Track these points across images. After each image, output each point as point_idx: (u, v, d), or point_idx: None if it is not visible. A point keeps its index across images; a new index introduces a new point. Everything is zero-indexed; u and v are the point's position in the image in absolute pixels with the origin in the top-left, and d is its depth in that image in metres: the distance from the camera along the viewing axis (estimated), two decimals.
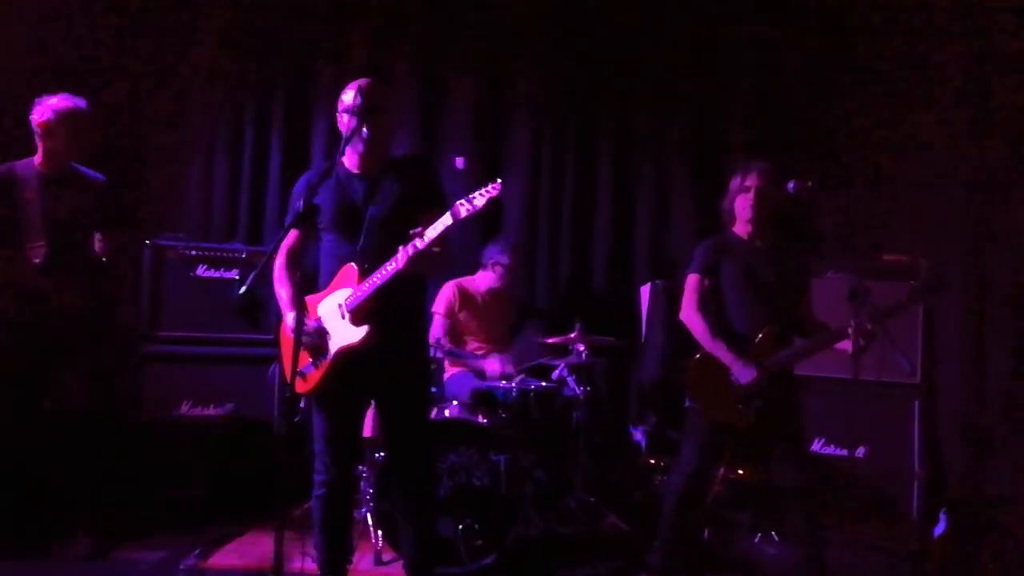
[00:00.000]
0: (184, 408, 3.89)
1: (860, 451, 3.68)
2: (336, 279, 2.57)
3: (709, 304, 3.01)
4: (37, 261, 3.12)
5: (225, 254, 4.07)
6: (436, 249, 2.36)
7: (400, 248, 2.36)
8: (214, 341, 4.00)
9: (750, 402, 2.88)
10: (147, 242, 3.92)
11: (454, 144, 4.84)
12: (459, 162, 4.78)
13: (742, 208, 3.01)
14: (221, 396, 3.95)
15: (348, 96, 2.56)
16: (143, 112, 4.49)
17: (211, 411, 3.93)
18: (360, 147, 2.56)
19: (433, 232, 2.33)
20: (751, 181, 2.97)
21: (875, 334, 2.73)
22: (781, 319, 2.96)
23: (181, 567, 3.14)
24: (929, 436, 3.72)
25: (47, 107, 3.15)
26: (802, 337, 2.99)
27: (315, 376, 2.54)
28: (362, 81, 2.57)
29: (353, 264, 2.50)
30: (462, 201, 2.31)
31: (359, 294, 2.46)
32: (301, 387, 2.57)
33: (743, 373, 2.86)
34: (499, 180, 2.33)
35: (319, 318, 2.57)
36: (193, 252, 4.01)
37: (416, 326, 2.76)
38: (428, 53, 4.84)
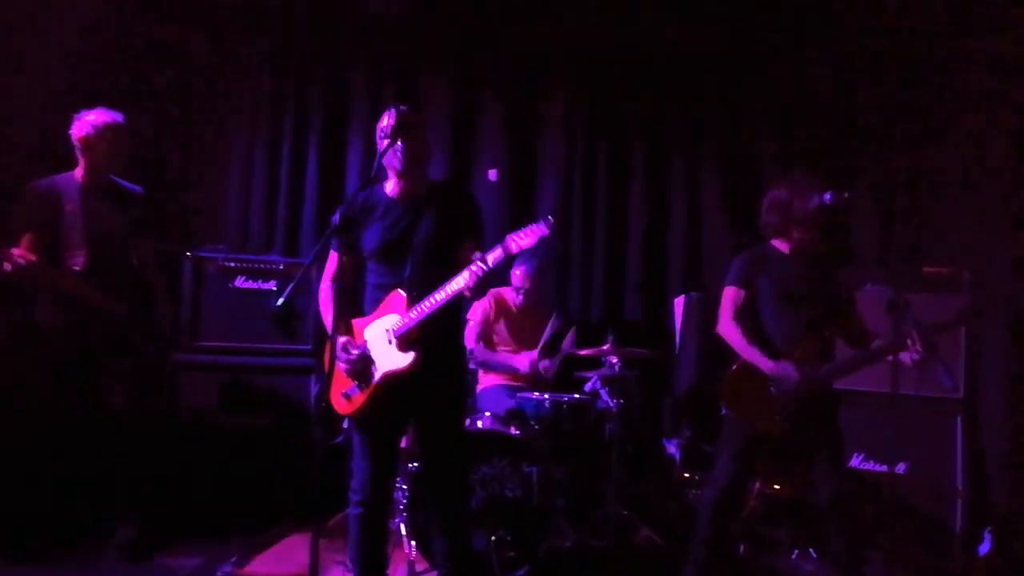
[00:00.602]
0: (222, 416, 3.96)
1: (901, 467, 3.60)
2: (383, 305, 2.61)
3: (746, 316, 2.99)
4: (77, 268, 3.20)
5: (263, 265, 4.14)
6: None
7: (467, 269, 2.39)
8: (252, 351, 4.07)
9: (788, 411, 2.84)
10: (187, 254, 4.02)
11: (487, 156, 4.88)
12: (492, 174, 4.81)
13: (790, 228, 2.96)
14: (258, 405, 4.02)
15: (384, 121, 2.60)
16: (183, 128, 4.60)
17: (248, 419, 3.99)
18: (397, 168, 2.59)
19: (492, 261, 2.38)
20: (783, 199, 2.94)
21: (939, 345, 2.69)
22: (819, 332, 2.92)
23: (218, 574, 3.19)
24: (972, 452, 3.62)
25: (86, 122, 3.24)
26: (854, 347, 2.94)
27: (359, 399, 2.58)
28: (397, 105, 2.61)
29: (401, 291, 2.55)
30: (514, 235, 2.38)
31: (408, 321, 2.51)
32: (345, 408, 2.61)
33: (785, 377, 2.82)
34: (551, 218, 2.40)
35: (365, 343, 2.60)
36: (232, 264, 4.09)
37: (456, 345, 2.80)
38: (461, 66, 4.89)
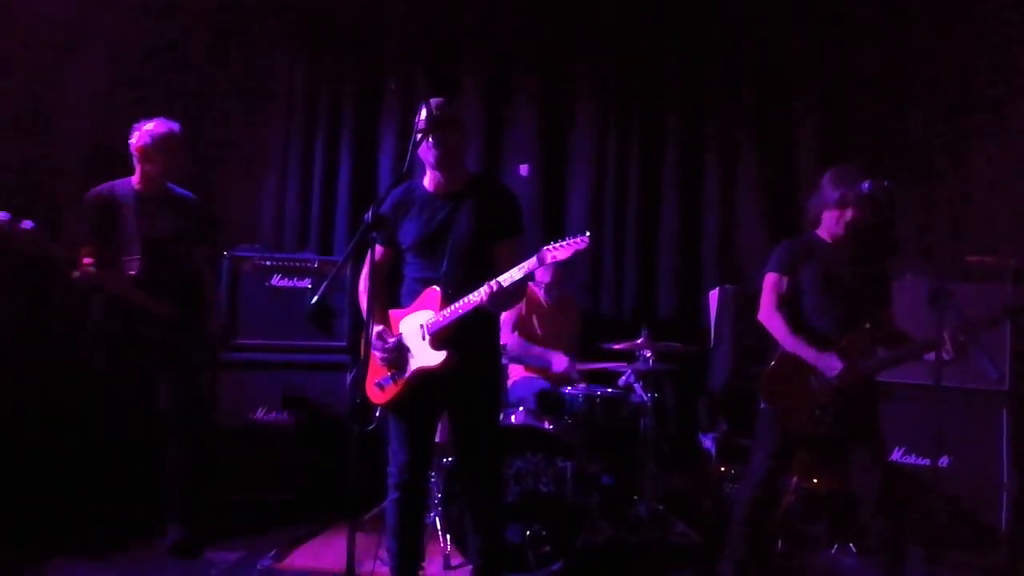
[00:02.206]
0: (260, 413, 4.03)
1: (944, 461, 3.52)
2: (420, 299, 2.64)
3: (788, 304, 2.93)
4: (132, 273, 3.28)
5: (298, 264, 4.20)
6: (514, 288, 2.43)
7: (485, 284, 2.42)
8: (288, 348, 4.13)
9: (828, 405, 2.79)
10: (224, 253, 4.09)
11: (518, 151, 4.87)
12: (523, 169, 4.81)
13: (833, 223, 2.91)
14: (295, 401, 4.08)
15: (420, 114, 2.60)
16: (219, 130, 4.68)
17: (286, 416, 4.06)
18: (433, 162, 2.61)
19: (518, 273, 2.40)
20: (851, 204, 2.84)
21: (968, 345, 2.62)
22: (863, 324, 2.85)
23: (258, 567, 3.24)
24: (1018, 445, 3.52)
25: (144, 132, 3.33)
26: (885, 345, 2.88)
27: (392, 389, 2.62)
28: (432, 100, 2.61)
29: (437, 288, 2.57)
30: (550, 248, 2.39)
31: (440, 320, 2.53)
32: (379, 397, 2.64)
33: (831, 366, 2.77)
34: (588, 234, 2.40)
35: (401, 334, 2.63)
36: (268, 262, 4.16)
37: (491, 346, 2.79)
38: (492, 61, 4.89)
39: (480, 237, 2.60)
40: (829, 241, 2.96)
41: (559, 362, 3.94)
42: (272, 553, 3.38)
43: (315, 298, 2.37)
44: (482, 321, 2.61)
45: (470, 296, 2.46)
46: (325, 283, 2.40)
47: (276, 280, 4.16)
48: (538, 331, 4.15)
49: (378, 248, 2.65)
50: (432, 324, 2.55)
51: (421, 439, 2.69)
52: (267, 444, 4.00)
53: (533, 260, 2.39)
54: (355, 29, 4.83)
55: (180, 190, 3.54)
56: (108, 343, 3.34)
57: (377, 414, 2.67)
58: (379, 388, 2.64)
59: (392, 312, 2.71)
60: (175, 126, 3.40)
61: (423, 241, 2.63)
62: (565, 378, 3.96)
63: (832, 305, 2.88)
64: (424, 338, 2.57)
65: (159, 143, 3.33)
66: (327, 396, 4.11)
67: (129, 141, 3.34)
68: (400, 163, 4.66)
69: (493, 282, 2.41)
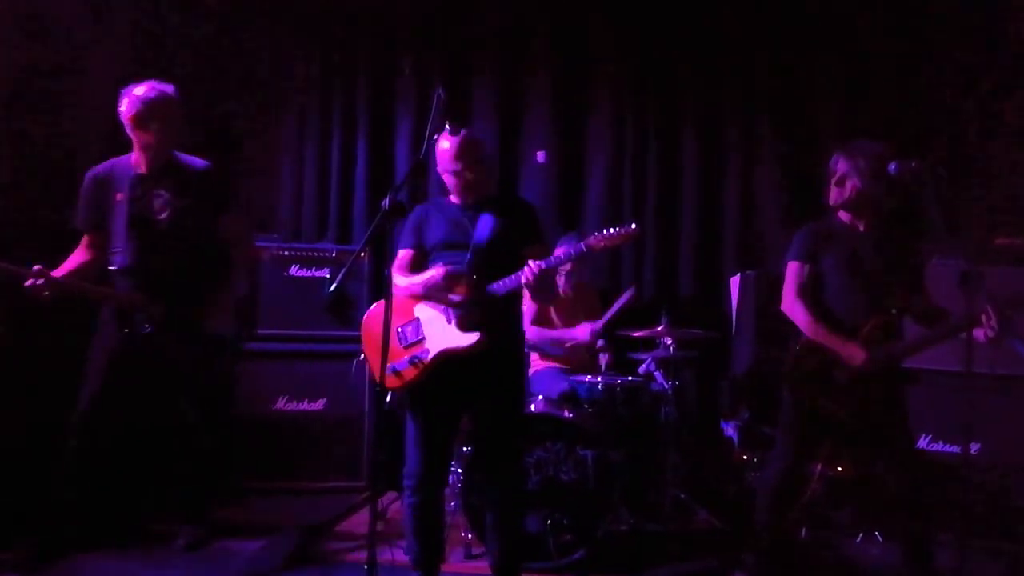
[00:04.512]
0: (281, 402, 4.04)
1: (974, 448, 3.45)
2: (450, 279, 2.64)
3: (811, 292, 2.87)
4: (114, 268, 3.02)
5: (316, 254, 4.20)
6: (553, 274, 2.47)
7: (530, 263, 2.44)
8: (307, 338, 4.13)
9: (852, 393, 2.74)
10: None
11: (535, 137, 4.83)
12: (540, 156, 4.77)
13: (855, 198, 2.83)
14: (314, 391, 4.09)
15: (444, 146, 2.65)
16: (236, 120, 4.68)
17: (305, 406, 4.07)
18: (458, 190, 2.71)
19: (563, 257, 2.45)
20: (842, 168, 2.82)
21: (1009, 325, 2.55)
22: (887, 309, 2.79)
23: (280, 556, 3.25)
24: None
25: (135, 98, 2.96)
26: (924, 324, 2.81)
27: (410, 373, 2.60)
28: (452, 140, 2.64)
29: (465, 271, 2.57)
30: (597, 234, 2.43)
31: (470, 300, 2.54)
32: (393, 382, 2.62)
33: (854, 355, 2.71)
34: (635, 225, 2.43)
35: (417, 319, 2.63)
36: (286, 252, 4.16)
37: (516, 332, 2.81)
38: (507, 47, 4.83)
39: (502, 242, 2.62)
40: (849, 223, 2.89)
41: (583, 331, 3.90)
42: (294, 542, 3.39)
43: (332, 286, 2.35)
44: (509, 307, 2.64)
45: (513, 276, 2.48)
46: (342, 271, 2.38)
47: (294, 270, 4.16)
48: (557, 320, 4.12)
49: (407, 252, 2.74)
50: (459, 307, 2.55)
51: (438, 442, 2.65)
52: (286, 433, 4.01)
53: (580, 246, 2.42)
54: (369, 16, 4.80)
55: (187, 158, 3.16)
56: (108, 343, 3.04)
57: (388, 398, 2.65)
58: (394, 374, 2.62)
59: (399, 299, 2.71)
60: (168, 87, 3.04)
61: (447, 243, 2.67)
62: (587, 361, 3.92)
63: (856, 290, 2.81)
64: (450, 321, 2.57)
65: (152, 108, 2.96)
66: (345, 385, 4.11)
67: (119, 110, 2.99)
68: (416, 151, 4.66)
69: (535, 263, 2.43)
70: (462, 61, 4.83)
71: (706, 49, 4.74)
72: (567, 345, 4.00)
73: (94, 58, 3.99)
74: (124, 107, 2.98)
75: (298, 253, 4.18)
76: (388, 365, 2.60)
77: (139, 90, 2.99)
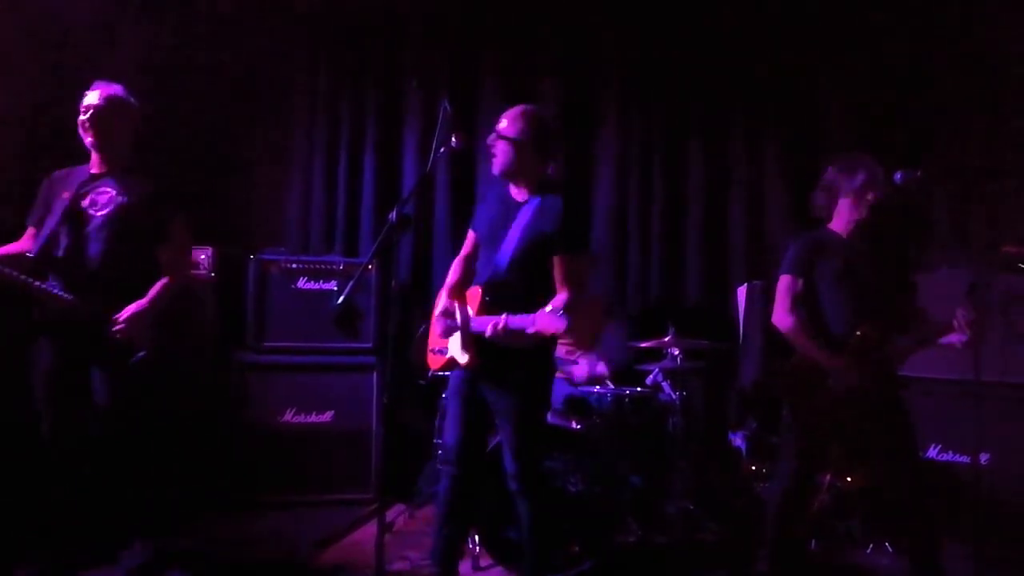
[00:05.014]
0: (288, 415, 4.06)
1: (984, 457, 3.42)
2: (468, 293, 2.71)
3: (803, 306, 2.89)
4: (30, 255, 2.85)
5: (324, 266, 4.22)
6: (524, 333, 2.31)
7: (494, 320, 2.38)
8: (315, 350, 4.15)
9: (848, 405, 2.75)
10: (251, 256, 4.13)
11: None
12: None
13: (848, 209, 2.88)
14: (322, 403, 4.10)
15: (502, 123, 2.67)
16: (243, 132, 4.72)
17: (313, 418, 4.08)
18: (497, 168, 2.70)
19: (515, 323, 2.30)
20: (862, 182, 2.83)
21: (983, 324, 2.55)
22: (881, 320, 2.80)
23: (288, 567, 3.25)
24: None
25: (89, 98, 2.91)
26: (909, 329, 2.82)
27: (439, 361, 2.72)
28: (510, 111, 2.67)
29: (479, 288, 2.61)
30: (543, 316, 2.23)
31: (472, 324, 2.56)
32: (434, 363, 2.76)
33: (843, 376, 2.74)
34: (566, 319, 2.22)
35: (465, 310, 2.64)
36: (294, 265, 4.18)
37: (530, 356, 2.59)
38: (513, 57, 4.86)
39: (526, 254, 2.57)
40: (844, 235, 2.91)
41: (580, 373, 3.90)
42: (303, 553, 3.39)
43: (340, 299, 2.36)
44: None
45: (491, 319, 2.41)
46: (350, 284, 2.40)
47: (302, 283, 4.18)
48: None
49: (470, 234, 2.82)
50: (464, 323, 2.57)
51: (467, 422, 2.68)
52: (295, 446, 4.02)
53: (531, 319, 2.25)
54: (376, 29, 4.84)
55: (138, 177, 2.99)
56: (39, 343, 2.87)
57: (429, 375, 2.70)
58: (434, 354, 2.75)
59: (470, 291, 2.74)
60: (117, 88, 2.96)
61: (486, 236, 2.71)
62: (595, 379, 3.92)
63: (850, 302, 2.83)
64: (461, 334, 2.60)
65: (106, 108, 2.89)
66: (353, 398, 4.12)
67: (81, 110, 2.91)
68: (423, 163, 4.68)
69: (500, 320, 2.34)
70: (469, 73, 4.86)
71: (713, 58, 4.76)
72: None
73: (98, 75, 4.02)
74: (82, 107, 2.91)
75: (306, 266, 4.20)
76: (433, 347, 2.76)
77: (88, 93, 2.94)
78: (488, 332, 2.39)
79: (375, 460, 4.09)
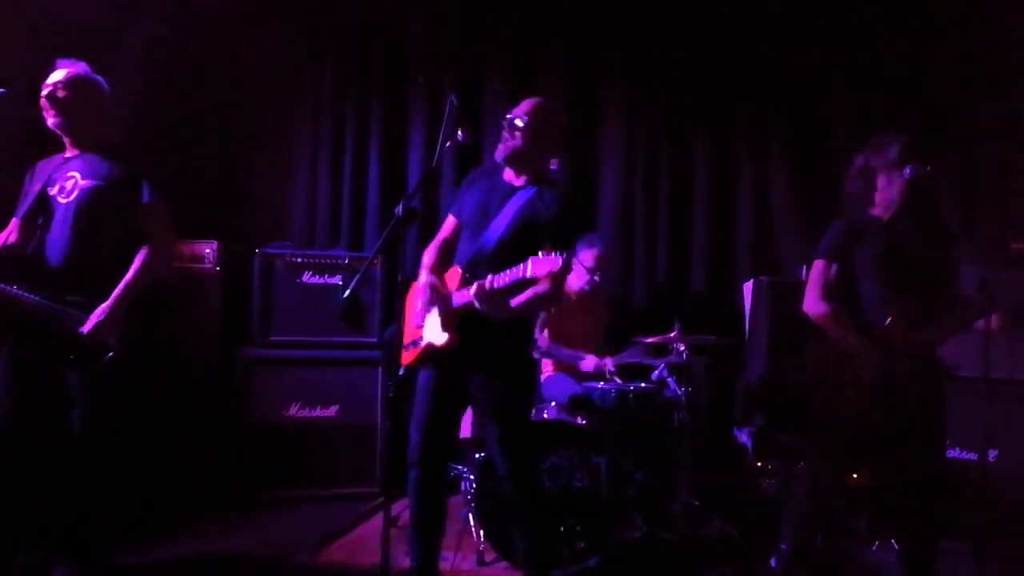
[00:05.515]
0: (293, 409, 4.06)
1: (992, 454, 3.41)
2: (447, 274, 2.67)
3: (837, 292, 2.74)
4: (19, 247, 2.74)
5: (329, 261, 4.22)
6: (505, 294, 2.35)
7: (475, 283, 2.38)
8: (321, 345, 4.14)
9: (886, 398, 2.60)
10: (256, 251, 4.12)
11: None
12: (552, 163, 4.75)
13: (886, 187, 2.71)
14: (328, 398, 4.10)
15: (517, 110, 2.65)
16: (250, 128, 4.71)
17: (319, 412, 4.08)
18: (504, 154, 2.66)
19: (506, 279, 2.32)
20: (896, 154, 2.68)
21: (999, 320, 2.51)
22: (922, 306, 2.66)
23: (293, 563, 3.25)
24: None
25: (48, 83, 2.73)
26: (947, 315, 2.69)
27: (412, 354, 2.64)
28: (528, 100, 2.67)
29: (459, 268, 2.56)
30: (538, 259, 2.21)
31: (452, 302, 2.51)
32: (405, 358, 2.68)
33: (875, 359, 2.59)
34: (564, 255, 2.20)
35: (445, 288, 2.63)
36: (299, 259, 4.18)
37: (507, 336, 2.62)
38: (518, 54, 4.85)
39: (513, 238, 2.56)
40: (885, 219, 2.75)
41: (587, 364, 3.90)
42: (307, 549, 3.39)
43: (345, 293, 2.35)
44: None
45: (464, 290, 2.43)
46: (355, 278, 2.39)
47: (307, 277, 4.18)
48: (566, 328, 4.11)
49: (450, 221, 2.76)
50: (445, 300, 2.54)
51: (434, 419, 2.63)
52: (300, 440, 4.02)
53: (521, 268, 2.27)
54: (382, 26, 4.83)
55: (111, 159, 2.79)
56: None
57: (401, 372, 2.66)
58: (407, 349, 2.67)
59: (449, 273, 2.72)
60: (82, 67, 2.80)
61: (473, 219, 2.65)
62: (599, 374, 3.92)
63: (893, 289, 2.67)
64: (438, 315, 2.55)
65: (71, 88, 2.73)
66: (358, 392, 4.12)
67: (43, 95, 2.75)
68: (429, 158, 4.67)
69: (486, 280, 2.35)
70: (474, 71, 4.85)
71: (716, 56, 4.74)
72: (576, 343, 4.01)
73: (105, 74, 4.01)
74: (44, 86, 2.75)
75: (311, 260, 4.20)
76: (408, 340, 2.69)
77: (53, 74, 2.76)
78: (474, 292, 2.36)
79: (380, 454, 4.09)
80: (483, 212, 2.65)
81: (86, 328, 2.64)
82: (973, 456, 3.45)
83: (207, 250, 4.02)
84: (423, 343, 2.59)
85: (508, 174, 2.72)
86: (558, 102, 2.71)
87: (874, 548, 3.47)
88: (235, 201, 4.54)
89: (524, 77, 4.84)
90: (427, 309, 2.59)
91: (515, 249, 2.47)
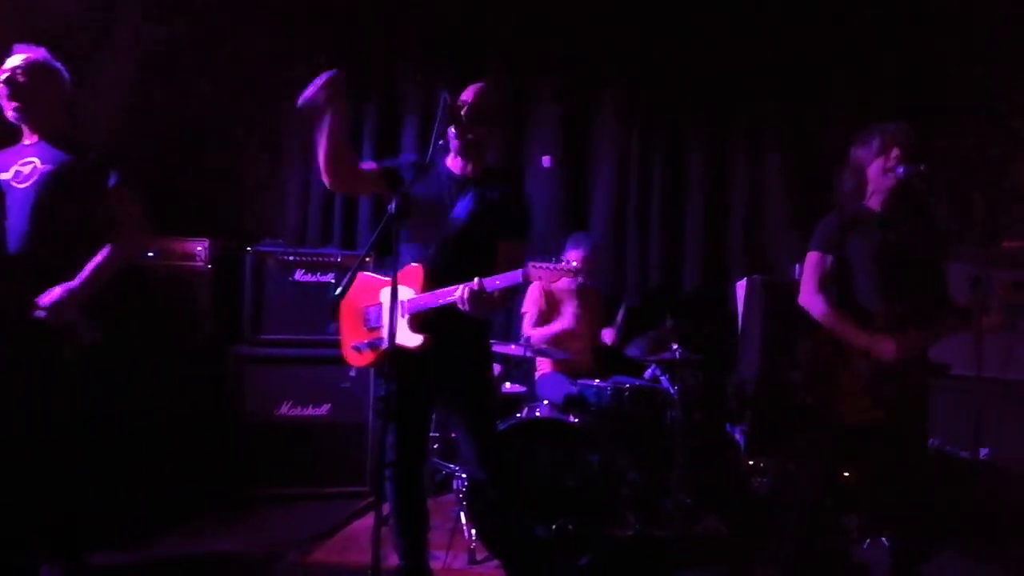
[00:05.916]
0: (285, 408, 4.04)
1: (983, 452, 3.42)
2: (401, 273, 2.54)
3: (831, 284, 2.72)
4: None
5: (321, 259, 4.20)
6: (496, 297, 2.35)
7: (462, 285, 2.35)
8: (312, 343, 4.12)
9: (885, 394, 2.58)
10: (248, 249, 4.10)
11: (541, 142, 4.83)
12: (546, 161, 4.77)
13: (877, 178, 2.69)
14: (319, 397, 4.08)
15: (464, 95, 2.60)
16: (241, 127, 4.69)
17: (310, 411, 4.06)
18: (453, 148, 2.62)
19: (500, 283, 2.32)
20: (880, 140, 2.68)
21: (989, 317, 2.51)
22: (918, 298, 2.64)
23: (285, 561, 3.24)
24: None
25: (11, 61, 2.66)
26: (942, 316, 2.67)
27: (369, 357, 2.62)
28: (475, 86, 2.62)
29: (420, 267, 2.52)
30: (537, 265, 2.24)
31: (419, 303, 2.49)
32: (357, 360, 2.67)
33: (884, 348, 2.54)
34: (575, 263, 2.27)
35: (380, 305, 2.61)
36: (291, 257, 4.16)
37: (474, 334, 2.66)
38: (513, 52, 4.84)
39: (475, 228, 2.54)
40: (880, 210, 2.73)
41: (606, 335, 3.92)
42: (298, 548, 3.38)
43: (338, 291, 2.33)
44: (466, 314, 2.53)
45: (451, 288, 2.38)
46: (348, 276, 2.37)
47: (299, 275, 4.16)
48: (559, 325, 4.10)
49: (371, 164, 2.69)
50: (411, 304, 2.50)
51: (405, 420, 2.61)
52: (292, 439, 4.01)
53: (518, 274, 2.26)
54: (376, 23, 4.81)
55: (63, 148, 2.72)
56: None
57: (352, 374, 2.63)
58: (356, 351, 2.65)
59: (368, 275, 2.70)
60: (41, 53, 2.72)
61: (424, 208, 2.56)
62: (591, 366, 3.92)
63: (888, 280, 2.65)
64: (403, 315, 2.51)
65: (30, 72, 2.66)
66: (349, 391, 4.10)
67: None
68: (422, 156, 4.64)
69: (475, 281, 2.33)
70: (469, 67, 4.83)
71: (712, 55, 4.74)
72: (569, 340, 3.98)
73: (95, 77, 3.98)
74: (2, 73, 2.68)
75: (303, 258, 4.18)
76: (352, 343, 2.67)
77: (16, 56, 2.69)
78: (464, 295, 2.33)
79: (371, 453, 4.07)
80: (435, 206, 2.58)
81: (43, 301, 2.52)
82: (964, 454, 3.46)
83: (198, 247, 4.00)
84: (386, 345, 2.48)
85: (453, 162, 2.67)
86: (497, 81, 2.65)
87: (864, 546, 3.48)
88: (227, 198, 4.51)
89: (519, 74, 4.84)
90: (387, 310, 2.50)
91: (474, 245, 2.53)
